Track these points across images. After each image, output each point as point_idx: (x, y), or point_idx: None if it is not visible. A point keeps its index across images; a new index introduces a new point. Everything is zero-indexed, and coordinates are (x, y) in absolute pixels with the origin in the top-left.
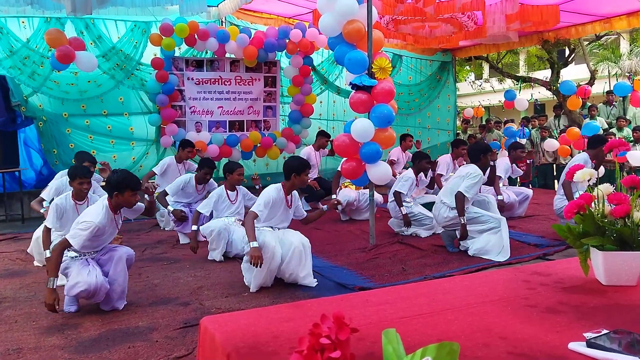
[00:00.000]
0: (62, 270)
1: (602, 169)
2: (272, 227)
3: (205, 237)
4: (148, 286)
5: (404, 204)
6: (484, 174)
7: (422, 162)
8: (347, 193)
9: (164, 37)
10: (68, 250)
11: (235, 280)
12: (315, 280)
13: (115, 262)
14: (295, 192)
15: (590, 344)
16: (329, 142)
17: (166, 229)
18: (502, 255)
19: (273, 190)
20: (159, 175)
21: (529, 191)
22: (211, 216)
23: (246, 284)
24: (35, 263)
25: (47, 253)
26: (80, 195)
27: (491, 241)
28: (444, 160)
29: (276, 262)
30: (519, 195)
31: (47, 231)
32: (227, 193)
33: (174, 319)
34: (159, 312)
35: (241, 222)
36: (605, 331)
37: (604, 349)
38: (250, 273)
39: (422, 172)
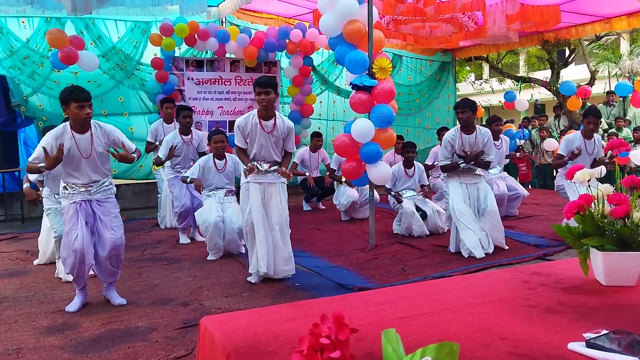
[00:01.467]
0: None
1: (603, 169)
2: (259, 167)
3: (202, 235)
4: (148, 286)
5: (399, 195)
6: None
7: (402, 151)
8: (350, 193)
9: (164, 37)
10: (65, 189)
11: (235, 280)
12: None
13: (105, 251)
14: (282, 121)
15: (590, 345)
16: (322, 141)
17: (163, 226)
18: (477, 252)
19: (241, 119)
20: (156, 144)
21: (523, 190)
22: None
23: (250, 270)
24: (36, 262)
25: (61, 188)
26: None
27: (464, 242)
28: (432, 152)
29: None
30: (511, 191)
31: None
32: (214, 161)
33: (173, 319)
34: (159, 312)
35: (232, 193)
36: (604, 331)
37: (604, 349)
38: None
39: (409, 162)
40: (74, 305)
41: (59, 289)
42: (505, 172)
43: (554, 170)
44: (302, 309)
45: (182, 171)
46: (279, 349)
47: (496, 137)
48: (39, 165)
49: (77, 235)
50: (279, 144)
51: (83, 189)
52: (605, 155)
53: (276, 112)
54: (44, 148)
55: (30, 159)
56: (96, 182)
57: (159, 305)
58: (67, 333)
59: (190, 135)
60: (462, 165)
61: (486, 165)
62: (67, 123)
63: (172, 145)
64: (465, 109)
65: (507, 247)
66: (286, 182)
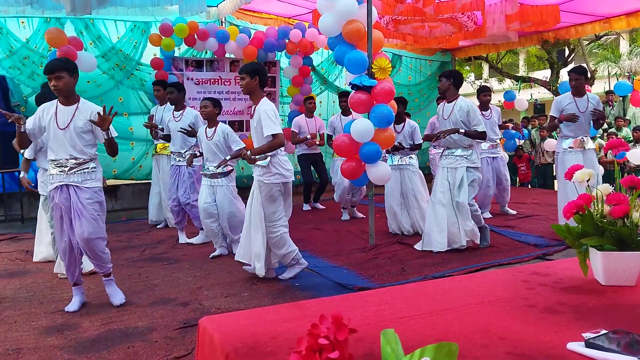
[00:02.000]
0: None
1: (601, 169)
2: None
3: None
4: (147, 286)
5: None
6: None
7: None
8: (340, 182)
9: (163, 37)
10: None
11: (235, 280)
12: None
13: (79, 244)
14: (259, 105)
15: (589, 344)
16: (314, 102)
17: (158, 226)
18: (417, 245)
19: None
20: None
21: (508, 178)
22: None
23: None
24: (34, 259)
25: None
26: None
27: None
28: (429, 122)
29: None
30: (498, 175)
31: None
32: (205, 130)
33: (173, 319)
34: (159, 312)
35: (224, 174)
36: (604, 331)
37: (603, 349)
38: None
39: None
40: (73, 306)
41: (58, 289)
42: (501, 148)
43: (553, 170)
44: (301, 309)
45: (177, 159)
46: (278, 349)
47: (485, 107)
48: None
49: (65, 230)
50: (260, 131)
51: (60, 167)
52: (605, 155)
53: (262, 98)
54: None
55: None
56: (73, 160)
57: (158, 305)
58: (67, 333)
59: (181, 112)
60: (440, 138)
61: (479, 136)
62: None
63: (152, 116)
64: (441, 77)
65: (463, 245)
66: (268, 180)
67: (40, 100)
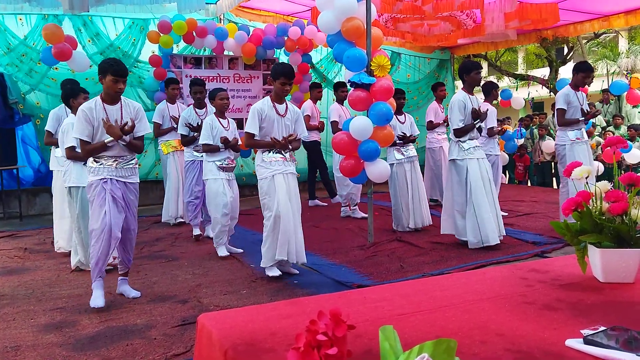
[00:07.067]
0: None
1: (601, 167)
2: (281, 153)
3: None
4: (146, 284)
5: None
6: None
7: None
8: (343, 182)
9: (162, 35)
10: (95, 161)
11: (234, 277)
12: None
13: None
14: (292, 106)
15: (588, 341)
16: (322, 92)
17: (171, 223)
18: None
19: (258, 104)
20: (163, 125)
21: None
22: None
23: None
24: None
25: (89, 162)
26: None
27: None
28: (431, 108)
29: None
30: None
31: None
32: (219, 120)
33: (172, 317)
34: (157, 310)
35: (232, 168)
36: (602, 328)
37: (601, 346)
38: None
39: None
40: (98, 300)
41: (57, 287)
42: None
43: (552, 168)
44: (299, 306)
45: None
46: (277, 345)
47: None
48: (107, 142)
49: (106, 210)
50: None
51: (110, 162)
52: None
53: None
54: (88, 120)
55: (77, 148)
56: (122, 157)
57: (157, 303)
58: (66, 330)
59: (204, 109)
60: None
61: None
62: (98, 97)
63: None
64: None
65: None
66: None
67: (67, 97)
